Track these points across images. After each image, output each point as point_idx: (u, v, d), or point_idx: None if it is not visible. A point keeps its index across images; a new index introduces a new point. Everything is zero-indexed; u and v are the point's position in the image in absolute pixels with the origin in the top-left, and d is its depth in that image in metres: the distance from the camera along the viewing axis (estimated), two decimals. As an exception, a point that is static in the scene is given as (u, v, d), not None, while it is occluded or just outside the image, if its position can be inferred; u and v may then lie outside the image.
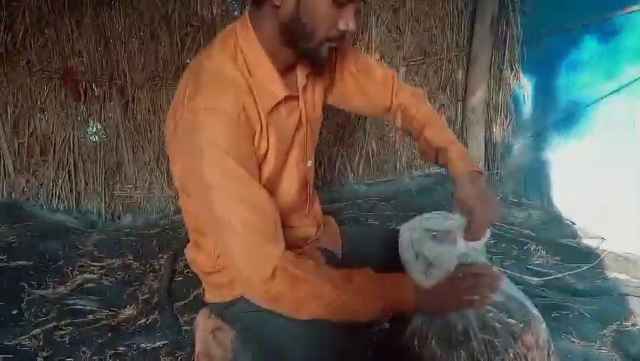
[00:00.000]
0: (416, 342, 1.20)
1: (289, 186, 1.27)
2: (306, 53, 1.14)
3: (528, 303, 1.20)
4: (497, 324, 1.15)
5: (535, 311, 1.19)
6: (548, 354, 1.19)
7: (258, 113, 1.12)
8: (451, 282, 1.16)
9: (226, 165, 1.05)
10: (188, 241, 1.44)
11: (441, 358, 1.16)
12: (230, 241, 1.10)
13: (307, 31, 1.08)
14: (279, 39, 1.13)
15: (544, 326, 1.18)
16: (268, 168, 1.18)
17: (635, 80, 2.42)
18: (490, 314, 1.16)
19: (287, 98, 1.19)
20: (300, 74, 1.24)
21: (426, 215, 1.26)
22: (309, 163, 1.36)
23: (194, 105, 1.06)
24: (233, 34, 1.16)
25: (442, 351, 1.16)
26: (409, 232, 1.23)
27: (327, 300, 1.12)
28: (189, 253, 1.43)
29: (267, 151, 1.17)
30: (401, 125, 1.50)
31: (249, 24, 1.15)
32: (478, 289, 1.15)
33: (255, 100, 1.12)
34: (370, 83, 1.47)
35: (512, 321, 1.16)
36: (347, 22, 1.08)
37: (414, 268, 1.19)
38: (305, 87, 1.26)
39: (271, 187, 1.20)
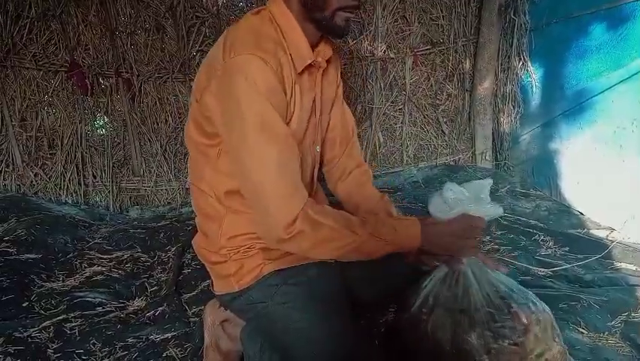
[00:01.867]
0: (424, 310, 1.26)
1: (303, 162, 1.30)
2: (323, 24, 1.22)
3: (530, 294, 1.27)
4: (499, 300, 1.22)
5: (536, 300, 1.25)
6: (553, 338, 1.21)
7: (291, 71, 1.20)
8: (453, 227, 1.23)
9: (262, 107, 1.12)
10: (197, 232, 1.46)
11: (444, 325, 1.22)
12: (261, 177, 1.14)
13: (320, 3, 1.17)
14: (302, 13, 1.22)
15: (545, 310, 1.24)
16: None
17: (645, 68, 2.40)
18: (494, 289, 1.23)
19: (310, 71, 1.28)
20: (321, 59, 1.31)
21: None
22: (318, 148, 1.42)
23: (234, 51, 1.13)
24: (264, 8, 1.26)
25: (447, 318, 1.23)
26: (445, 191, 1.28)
27: (343, 243, 1.18)
28: (196, 243, 1.45)
29: (292, 115, 1.23)
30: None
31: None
32: (476, 238, 1.24)
33: (288, 58, 1.20)
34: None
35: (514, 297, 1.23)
36: None
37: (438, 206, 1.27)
38: (324, 74, 1.34)
39: None
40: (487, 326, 1.18)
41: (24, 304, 1.97)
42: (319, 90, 1.34)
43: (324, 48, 1.33)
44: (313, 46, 1.28)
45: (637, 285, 2.03)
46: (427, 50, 3.40)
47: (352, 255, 1.21)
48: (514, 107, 3.40)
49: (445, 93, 3.54)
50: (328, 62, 1.36)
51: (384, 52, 3.33)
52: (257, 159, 1.14)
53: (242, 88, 1.11)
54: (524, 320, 1.18)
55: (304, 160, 1.33)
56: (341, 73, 1.53)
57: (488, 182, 1.28)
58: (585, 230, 2.60)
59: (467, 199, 1.24)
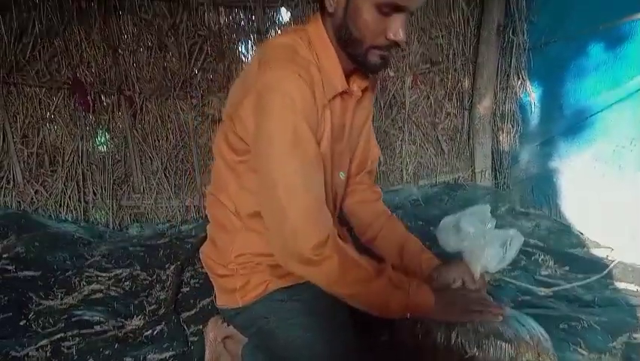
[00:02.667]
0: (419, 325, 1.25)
1: (326, 187, 1.27)
2: (356, 59, 1.19)
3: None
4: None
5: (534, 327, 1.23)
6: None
7: (322, 93, 1.17)
8: (464, 293, 1.22)
9: (296, 123, 1.09)
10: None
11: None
12: (288, 193, 1.10)
13: (354, 37, 1.14)
14: (338, 43, 1.20)
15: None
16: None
17: (643, 88, 2.41)
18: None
19: (343, 97, 1.26)
20: (357, 87, 1.29)
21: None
22: (342, 175, 1.39)
23: (270, 68, 1.11)
24: (303, 28, 1.24)
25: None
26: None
27: (365, 283, 1.15)
28: (204, 252, 1.43)
29: (322, 135, 1.20)
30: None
31: (320, 22, 1.22)
32: (485, 305, 1.20)
33: (322, 80, 1.17)
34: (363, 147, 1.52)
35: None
36: (395, 32, 1.11)
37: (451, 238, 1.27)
38: (358, 102, 1.32)
39: None
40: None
41: (21, 323, 1.96)
42: (350, 118, 1.32)
43: (361, 77, 1.30)
44: (348, 74, 1.26)
45: (638, 305, 2.02)
46: (426, 69, 3.43)
47: (370, 302, 1.19)
48: (513, 125, 3.41)
49: (444, 112, 3.56)
50: (364, 90, 1.34)
51: (384, 70, 3.35)
52: (284, 174, 1.10)
53: (277, 103, 1.08)
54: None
55: (327, 186, 1.29)
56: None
57: (487, 208, 1.29)
58: (585, 249, 2.60)
59: (478, 232, 1.23)
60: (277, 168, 1.11)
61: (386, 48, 1.15)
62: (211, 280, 1.42)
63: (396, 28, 1.10)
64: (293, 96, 1.08)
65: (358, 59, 1.18)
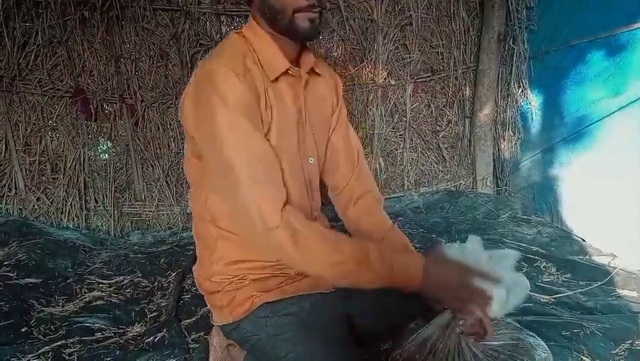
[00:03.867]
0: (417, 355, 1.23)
1: (289, 175, 1.28)
2: (288, 29, 1.23)
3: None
4: None
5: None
6: None
7: (262, 79, 1.22)
8: (460, 280, 1.14)
9: (232, 117, 1.12)
10: (196, 259, 1.46)
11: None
12: (234, 187, 1.13)
13: (276, 9, 1.20)
14: (269, 26, 1.25)
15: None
16: (279, 151, 1.23)
17: (643, 95, 2.42)
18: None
19: (290, 81, 1.30)
20: (303, 71, 1.33)
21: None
22: (311, 160, 1.39)
23: (206, 66, 1.17)
24: (238, 31, 1.31)
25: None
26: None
27: (331, 262, 1.13)
28: (195, 270, 1.46)
29: (270, 123, 1.23)
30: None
31: (251, 19, 1.29)
32: (479, 301, 1.13)
33: (260, 69, 1.23)
34: (343, 139, 1.53)
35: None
36: None
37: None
38: (307, 85, 1.35)
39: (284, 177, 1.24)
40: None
41: (23, 329, 1.96)
42: (303, 101, 1.34)
43: (305, 59, 1.35)
44: (293, 58, 1.31)
45: (639, 312, 2.02)
46: (427, 77, 3.44)
47: (345, 280, 1.16)
48: (514, 133, 3.42)
49: (445, 119, 3.57)
50: (313, 74, 1.38)
51: (385, 79, 3.37)
52: (228, 168, 1.13)
53: (212, 100, 1.13)
54: None
55: (294, 171, 1.32)
56: (343, 97, 1.55)
57: (515, 254, 1.22)
58: (587, 256, 2.59)
59: (488, 259, 1.19)
60: (219, 158, 1.15)
61: (309, 9, 1.19)
62: (204, 298, 1.44)
63: None
64: (226, 88, 1.13)
65: (287, 28, 1.22)
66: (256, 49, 1.25)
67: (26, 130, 2.99)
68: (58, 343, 1.88)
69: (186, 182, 3.19)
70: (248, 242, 1.28)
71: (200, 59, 3.05)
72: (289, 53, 1.29)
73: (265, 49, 1.25)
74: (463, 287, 1.13)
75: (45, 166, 3.05)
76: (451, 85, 3.50)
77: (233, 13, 3.06)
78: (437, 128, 3.58)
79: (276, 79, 1.26)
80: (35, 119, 2.99)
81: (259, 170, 1.13)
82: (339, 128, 1.52)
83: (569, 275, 2.37)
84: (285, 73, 1.27)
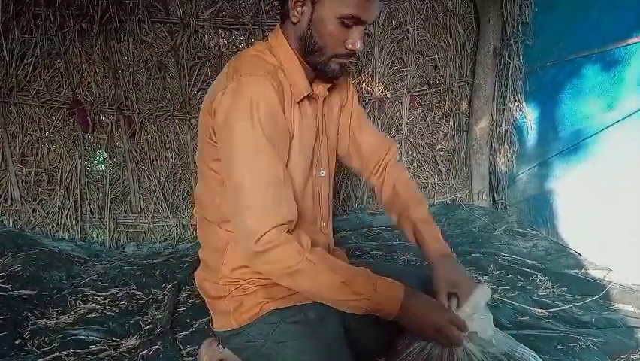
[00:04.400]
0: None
1: (302, 187, 1.33)
2: (317, 67, 1.27)
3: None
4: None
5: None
6: None
7: (290, 95, 1.25)
8: (439, 315, 1.17)
9: (255, 133, 1.14)
10: (193, 270, 1.46)
11: None
12: (240, 197, 1.16)
13: (318, 46, 1.22)
14: (300, 52, 1.27)
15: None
16: (294, 162, 1.28)
17: (637, 110, 2.43)
18: None
19: (310, 100, 1.33)
20: (321, 87, 1.36)
21: None
22: (322, 173, 1.42)
23: (239, 76, 1.18)
24: (265, 41, 1.32)
25: None
26: None
27: (315, 281, 1.17)
28: (198, 275, 1.46)
29: (292, 138, 1.26)
30: (386, 202, 1.58)
31: (280, 33, 1.29)
32: (452, 339, 1.16)
33: (288, 84, 1.25)
34: (367, 134, 1.57)
35: None
36: (354, 42, 1.21)
37: None
38: (325, 101, 1.38)
39: (295, 188, 1.28)
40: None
41: (17, 342, 1.94)
42: (321, 118, 1.38)
43: (321, 79, 1.37)
44: (310, 80, 1.33)
45: (635, 326, 2.02)
46: (423, 90, 3.46)
47: (325, 299, 1.20)
48: (509, 146, 3.44)
49: (441, 133, 3.59)
50: (330, 89, 1.40)
51: (382, 92, 3.39)
52: (237, 180, 1.16)
53: (245, 106, 1.14)
54: None
55: (306, 183, 1.35)
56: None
57: (487, 291, 1.25)
58: (582, 270, 2.59)
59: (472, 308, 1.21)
60: (230, 167, 1.17)
61: (345, 57, 1.25)
62: (206, 304, 1.43)
63: (355, 39, 1.21)
64: (259, 100, 1.14)
65: (319, 66, 1.26)
66: (284, 66, 1.26)
67: (23, 141, 2.99)
68: (52, 355, 1.86)
69: (183, 194, 3.20)
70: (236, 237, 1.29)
71: (199, 71, 3.07)
72: (310, 73, 1.31)
73: (293, 70, 1.27)
74: (437, 327, 1.16)
75: (41, 177, 3.05)
76: (447, 98, 3.52)
77: (232, 26, 3.09)
78: (433, 141, 3.59)
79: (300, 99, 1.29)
80: (32, 130, 2.99)
81: (267, 192, 1.16)
82: (361, 121, 1.57)
83: (564, 289, 2.37)
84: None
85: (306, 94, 1.29)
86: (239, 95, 1.15)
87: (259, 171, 1.15)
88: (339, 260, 1.23)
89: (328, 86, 1.38)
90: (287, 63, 1.27)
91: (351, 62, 3.27)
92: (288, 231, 1.17)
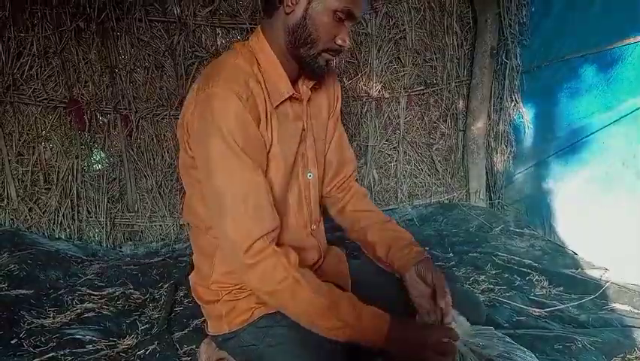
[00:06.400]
0: None
1: (285, 191, 1.33)
2: (305, 60, 1.24)
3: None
4: None
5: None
6: None
7: (265, 103, 1.22)
8: (424, 331, 1.17)
9: (227, 145, 1.13)
10: (189, 271, 1.46)
11: None
12: (221, 210, 1.16)
13: (310, 38, 1.20)
14: (285, 47, 1.25)
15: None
16: (275, 167, 1.26)
17: (634, 110, 2.44)
18: None
19: (293, 102, 1.31)
20: (305, 87, 1.35)
21: None
22: (310, 175, 1.41)
23: (207, 88, 1.16)
24: (245, 42, 1.30)
25: None
26: None
27: (298, 301, 1.16)
28: (192, 279, 1.46)
29: (271, 143, 1.25)
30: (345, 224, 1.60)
31: (261, 34, 1.28)
32: (445, 352, 1.14)
33: (263, 90, 1.22)
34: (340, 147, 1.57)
35: None
36: (344, 38, 1.21)
37: None
38: (309, 101, 1.36)
39: (276, 192, 1.27)
40: None
41: (13, 341, 1.93)
42: (307, 118, 1.36)
43: (307, 76, 1.36)
44: (295, 79, 1.32)
45: (632, 326, 2.02)
46: (420, 90, 3.47)
47: (306, 321, 1.19)
48: (507, 146, 3.44)
49: (438, 132, 3.60)
50: (315, 88, 1.39)
51: (379, 92, 3.39)
52: (219, 193, 1.16)
53: (209, 124, 1.14)
54: None
55: (290, 187, 1.35)
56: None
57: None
58: (579, 270, 2.60)
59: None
60: (210, 180, 1.17)
61: (334, 52, 1.24)
62: (201, 308, 1.43)
63: (345, 35, 1.21)
64: (226, 115, 1.13)
65: (307, 60, 1.24)
66: (263, 71, 1.25)
67: (19, 140, 2.98)
68: (49, 355, 1.86)
69: (180, 193, 3.19)
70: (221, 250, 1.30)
71: (196, 70, 3.07)
72: (293, 72, 1.30)
73: (271, 71, 1.25)
74: (429, 346, 1.14)
75: (38, 176, 3.04)
76: (444, 98, 3.53)
77: (229, 25, 3.08)
78: (430, 141, 3.60)
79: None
80: (29, 130, 2.98)
81: (248, 202, 1.15)
82: (337, 137, 1.55)
83: (561, 289, 2.37)
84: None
85: (287, 96, 1.27)
86: (207, 109, 1.14)
87: (237, 182, 1.15)
88: (324, 283, 1.22)
89: (311, 84, 1.36)
90: (267, 68, 1.25)
91: (350, 62, 3.28)
92: (272, 240, 1.17)
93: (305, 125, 1.35)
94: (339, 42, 1.21)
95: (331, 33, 1.20)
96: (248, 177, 1.16)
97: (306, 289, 1.15)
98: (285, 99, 1.27)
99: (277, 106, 1.26)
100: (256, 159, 1.19)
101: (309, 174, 1.40)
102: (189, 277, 1.48)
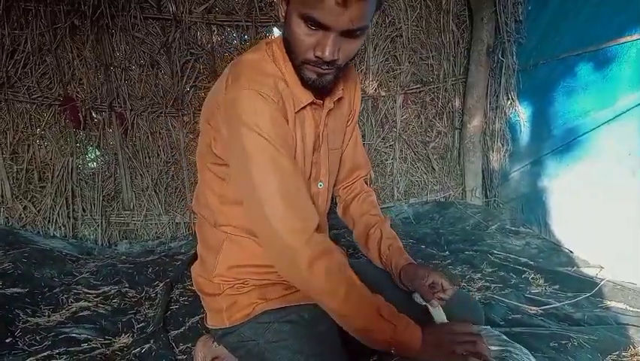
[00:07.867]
0: None
1: None
2: (297, 72, 1.18)
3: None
4: None
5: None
6: None
7: (293, 105, 1.19)
8: (452, 333, 1.11)
9: (261, 142, 1.10)
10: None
11: None
12: (265, 207, 1.11)
13: (291, 48, 1.14)
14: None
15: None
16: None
17: (630, 108, 2.44)
18: None
19: (314, 108, 1.27)
20: (329, 100, 1.30)
21: None
22: (320, 185, 1.39)
23: (238, 85, 1.12)
24: (273, 41, 1.26)
25: None
26: None
27: (356, 301, 1.11)
28: (194, 270, 1.44)
29: (295, 146, 1.23)
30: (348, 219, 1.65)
31: (281, 38, 1.22)
32: (473, 345, 1.08)
33: (291, 94, 1.19)
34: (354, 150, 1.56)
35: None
36: (322, 49, 1.08)
37: None
38: (329, 113, 1.32)
39: None
40: None
41: (8, 340, 1.92)
42: (323, 127, 1.32)
43: (334, 88, 1.30)
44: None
45: (627, 324, 2.03)
46: (417, 88, 3.46)
47: (348, 324, 1.13)
48: (503, 144, 3.45)
49: (435, 131, 3.60)
50: (340, 99, 1.35)
51: (376, 90, 3.38)
52: (258, 190, 1.11)
53: (242, 123, 1.10)
54: None
55: None
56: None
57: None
58: (575, 268, 2.61)
59: None
60: (249, 179, 1.12)
61: (317, 64, 1.12)
62: (201, 300, 1.42)
63: (323, 45, 1.07)
64: (257, 114, 1.10)
65: (297, 71, 1.17)
66: (285, 75, 1.20)
67: (14, 138, 2.96)
68: (44, 354, 1.85)
69: (175, 191, 3.19)
70: (265, 251, 1.23)
71: (191, 68, 3.06)
72: None
73: (291, 79, 1.20)
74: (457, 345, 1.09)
75: (32, 175, 3.03)
76: (440, 96, 3.53)
77: (224, 22, 3.07)
78: (427, 139, 3.60)
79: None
80: (23, 127, 2.97)
81: (289, 193, 1.12)
82: (352, 141, 1.55)
83: (556, 287, 2.37)
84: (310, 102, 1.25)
85: (305, 104, 1.22)
86: (240, 109, 1.11)
87: (278, 180, 1.11)
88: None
89: (337, 97, 1.32)
90: (287, 72, 1.20)
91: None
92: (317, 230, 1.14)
93: (321, 135, 1.32)
94: (317, 53, 1.08)
95: (305, 42, 1.09)
96: (288, 174, 1.13)
97: (361, 289, 1.12)
98: (305, 105, 1.24)
99: (298, 111, 1.22)
100: (291, 155, 1.18)
101: (320, 183, 1.39)
102: (192, 267, 1.47)
